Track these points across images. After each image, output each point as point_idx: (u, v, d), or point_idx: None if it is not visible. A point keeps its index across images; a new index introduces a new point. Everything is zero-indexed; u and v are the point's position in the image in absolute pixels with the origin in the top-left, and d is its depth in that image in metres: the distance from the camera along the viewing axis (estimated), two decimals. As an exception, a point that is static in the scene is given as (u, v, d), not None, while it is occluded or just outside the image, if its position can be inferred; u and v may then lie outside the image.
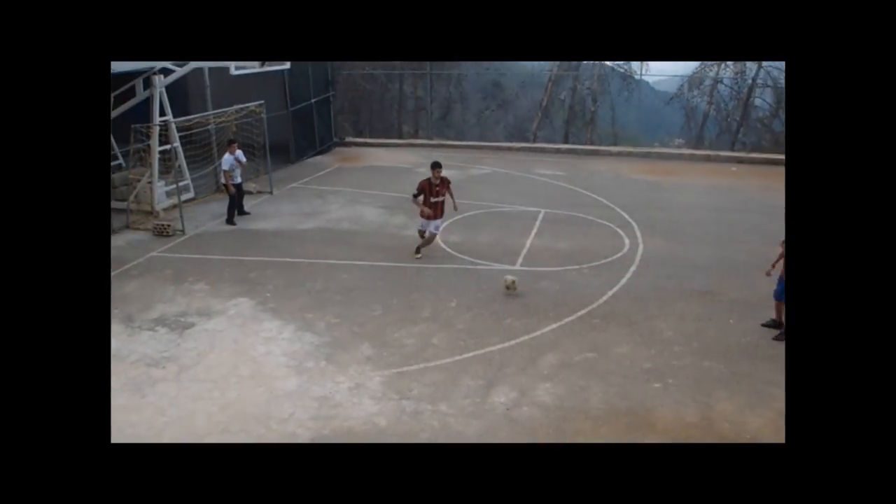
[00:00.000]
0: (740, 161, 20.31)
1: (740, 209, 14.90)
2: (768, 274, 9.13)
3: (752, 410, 7.35)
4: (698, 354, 8.45)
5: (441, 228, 11.56)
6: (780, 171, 18.82)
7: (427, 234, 11.52)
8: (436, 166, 11.20)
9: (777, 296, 8.95)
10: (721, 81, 27.80)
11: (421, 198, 11.12)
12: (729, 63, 27.47)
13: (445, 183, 11.24)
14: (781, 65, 26.47)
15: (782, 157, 20.86)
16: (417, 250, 11.66)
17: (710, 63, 27.57)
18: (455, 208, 11.63)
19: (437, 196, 11.08)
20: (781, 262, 8.89)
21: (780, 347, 8.63)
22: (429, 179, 11.16)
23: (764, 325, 9.15)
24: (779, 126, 28.05)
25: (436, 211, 11.15)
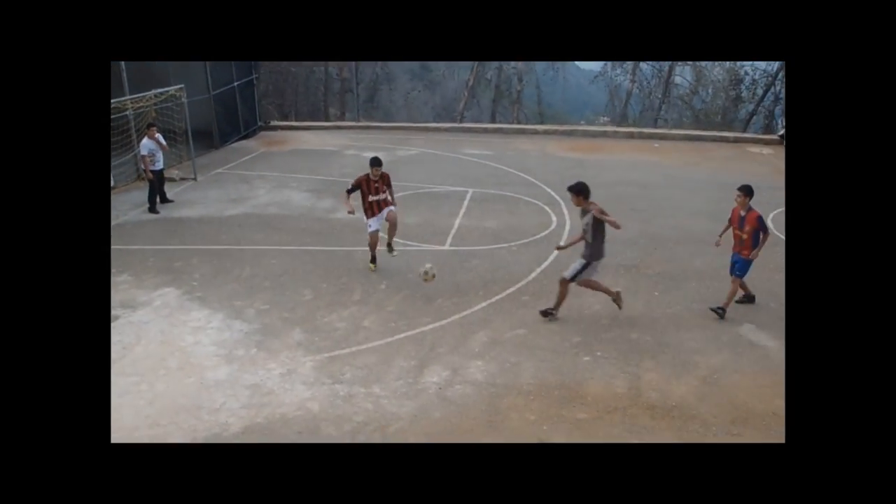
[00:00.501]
0: (663, 138, 20.79)
1: (663, 185, 15.29)
2: (717, 244, 9.39)
3: (678, 379, 7.58)
4: (625, 327, 8.66)
5: (376, 227, 10.53)
6: (700, 147, 19.42)
7: (369, 235, 10.57)
8: (375, 163, 10.31)
9: (732, 271, 9.08)
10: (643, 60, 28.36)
11: (356, 194, 10.31)
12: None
13: (385, 179, 10.46)
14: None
15: (702, 133, 21.49)
16: (389, 247, 10.72)
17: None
18: (394, 204, 10.64)
19: (375, 194, 10.36)
20: (730, 233, 9.11)
21: (704, 318, 8.94)
22: (367, 175, 10.34)
23: (739, 302, 9.29)
24: (698, 103, 28.87)
25: (373, 209, 10.40)
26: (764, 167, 16.99)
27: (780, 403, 7.19)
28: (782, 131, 20.38)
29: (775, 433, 6.73)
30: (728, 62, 27.28)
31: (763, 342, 8.44)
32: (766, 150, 19.30)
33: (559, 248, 9.64)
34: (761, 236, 8.77)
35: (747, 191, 8.86)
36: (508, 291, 9.58)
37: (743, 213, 8.85)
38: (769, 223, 10.46)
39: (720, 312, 8.96)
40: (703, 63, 27.76)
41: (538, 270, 10.34)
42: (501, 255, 10.92)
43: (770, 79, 27.09)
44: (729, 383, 7.54)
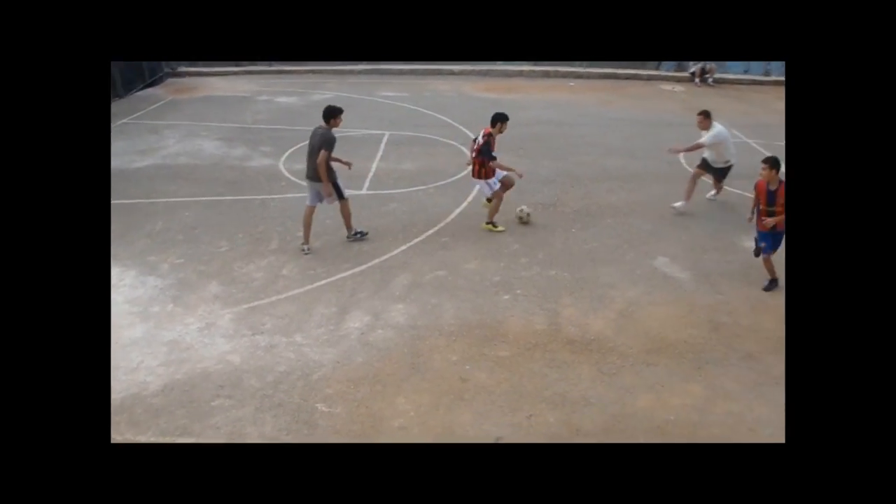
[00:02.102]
0: (578, 76, 20.91)
1: (578, 123, 15.43)
2: (749, 220, 8.65)
3: (595, 313, 7.77)
4: (544, 264, 8.79)
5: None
6: (614, 85, 19.61)
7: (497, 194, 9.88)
8: (505, 119, 9.81)
9: (761, 252, 8.39)
10: (558, -3, 28.18)
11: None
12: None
13: None
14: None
15: (616, 71, 21.67)
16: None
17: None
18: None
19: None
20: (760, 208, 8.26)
21: (620, 252, 9.15)
22: (495, 131, 9.72)
23: (765, 290, 8.46)
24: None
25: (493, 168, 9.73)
26: (676, 104, 17.34)
27: (692, 332, 7.48)
28: (693, 68, 20.74)
29: (688, 361, 7.01)
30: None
31: (675, 274, 8.71)
32: (678, 88, 19.68)
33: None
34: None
35: (773, 163, 8.01)
36: (428, 234, 9.58)
37: (773, 187, 8.06)
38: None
39: (772, 285, 8.41)
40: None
41: (457, 212, 10.36)
42: (419, 198, 10.88)
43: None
44: (644, 315, 7.77)
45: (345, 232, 9.42)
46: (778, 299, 8.22)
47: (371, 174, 11.96)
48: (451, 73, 21.09)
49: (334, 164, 9.14)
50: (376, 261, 8.84)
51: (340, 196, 9.22)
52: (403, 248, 9.20)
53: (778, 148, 14.29)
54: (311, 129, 9.18)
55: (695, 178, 10.52)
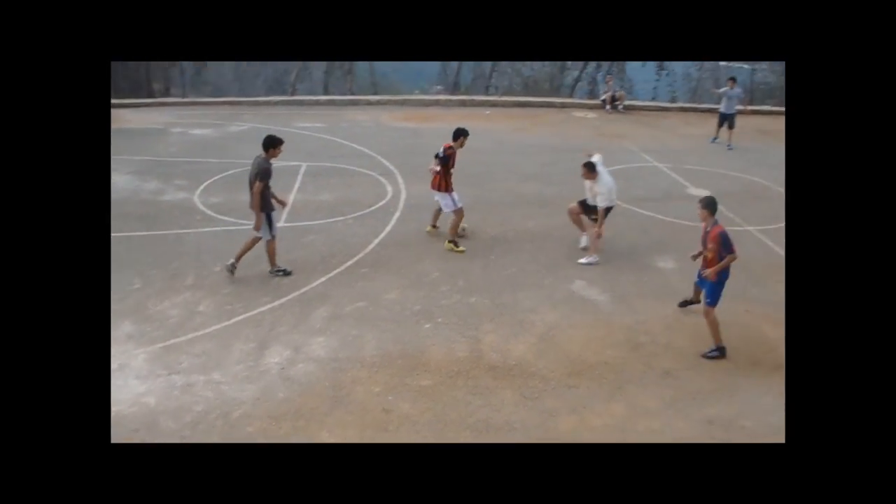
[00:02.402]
0: (493, 105, 21.29)
1: (495, 150, 15.65)
2: (694, 258, 8.11)
3: (516, 338, 7.84)
4: (464, 292, 8.84)
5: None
6: (529, 113, 19.95)
7: (458, 212, 10.14)
8: (466, 134, 10.42)
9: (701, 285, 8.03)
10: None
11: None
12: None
13: None
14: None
15: (531, 99, 22.16)
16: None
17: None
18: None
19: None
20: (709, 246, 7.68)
21: (538, 277, 9.28)
22: (457, 147, 10.19)
23: (680, 305, 8.59)
24: (527, 71, 29.66)
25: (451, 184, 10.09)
26: (588, 130, 17.82)
27: (611, 353, 7.63)
28: (604, 96, 21.38)
29: (608, 381, 7.14)
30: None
31: (594, 297, 8.89)
32: (591, 115, 20.23)
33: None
34: (725, 257, 7.58)
35: (706, 203, 7.72)
36: (347, 265, 9.51)
37: (708, 228, 7.72)
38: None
39: (713, 354, 7.76)
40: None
41: (375, 242, 10.33)
42: (338, 229, 10.81)
43: (592, 46, 28.23)
44: (564, 338, 7.89)
45: (265, 266, 9.26)
46: (692, 318, 8.48)
47: (289, 206, 11.81)
48: (369, 102, 21.17)
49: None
50: (295, 293, 8.72)
51: (270, 231, 9.06)
52: (322, 279, 9.10)
53: (686, 171, 14.85)
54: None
55: (572, 213, 10.38)
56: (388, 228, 10.73)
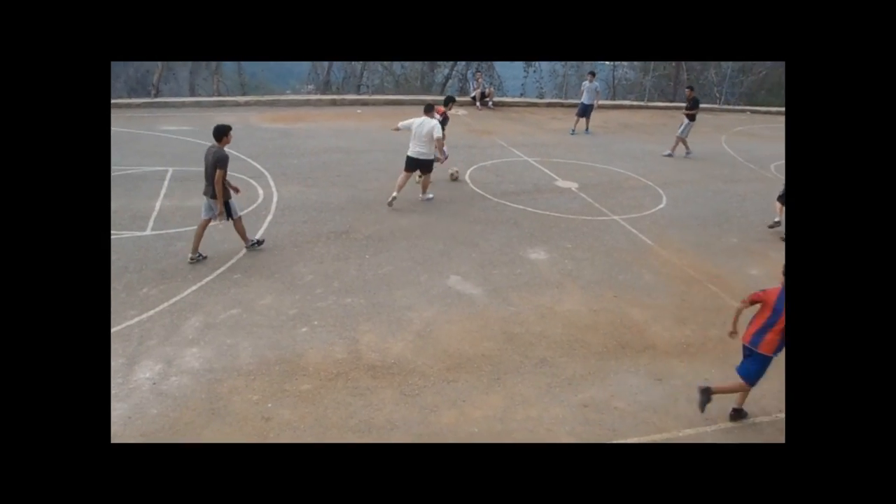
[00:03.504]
0: (364, 104, 21.21)
1: (366, 149, 15.61)
2: (732, 334, 7.06)
3: (394, 337, 7.87)
4: (340, 293, 8.78)
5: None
6: (401, 111, 19.98)
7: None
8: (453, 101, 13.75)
9: (743, 375, 6.87)
10: (342, 26, 28.47)
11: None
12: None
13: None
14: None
15: (402, 97, 22.22)
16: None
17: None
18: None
19: None
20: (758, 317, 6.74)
21: (413, 274, 9.34)
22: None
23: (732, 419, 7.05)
24: (398, 69, 29.73)
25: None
26: (460, 127, 18.00)
27: (488, 345, 7.78)
28: (474, 93, 21.72)
29: (486, 373, 7.29)
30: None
31: (469, 291, 9.04)
32: (462, 112, 20.47)
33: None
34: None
35: None
36: (219, 271, 9.24)
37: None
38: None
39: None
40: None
41: (247, 247, 10.09)
42: (208, 234, 10.45)
43: (460, 43, 28.62)
44: (441, 334, 7.98)
45: (129, 277, 8.87)
46: (563, 306, 8.78)
47: (155, 213, 11.34)
48: (237, 104, 20.61)
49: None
50: (165, 304, 8.39)
51: (231, 216, 9.54)
52: (193, 288, 8.80)
53: (554, 164, 15.32)
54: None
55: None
56: (259, 232, 10.51)
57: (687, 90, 18.01)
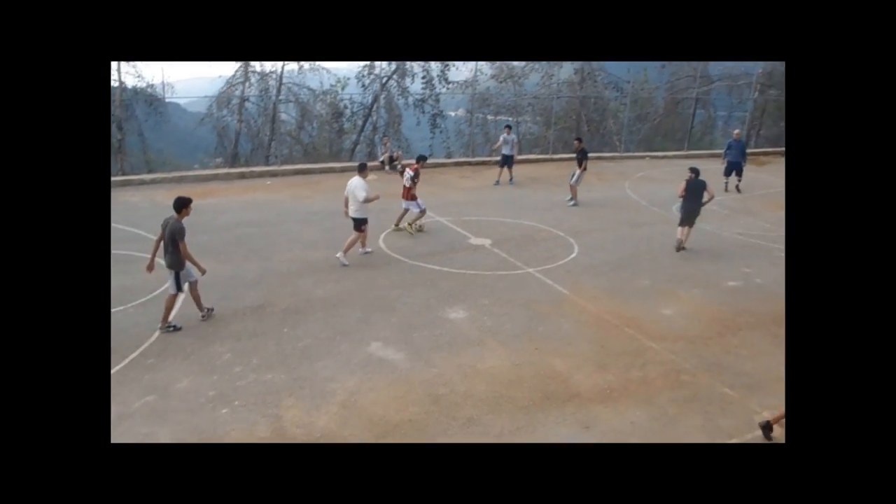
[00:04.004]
0: (274, 174, 21.11)
1: (279, 221, 15.49)
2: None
3: (318, 410, 7.71)
4: (259, 369, 8.58)
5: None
6: (310, 180, 19.99)
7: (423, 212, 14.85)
8: (425, 159, 15.32)
9: None
10: (248, 100, 28.54)
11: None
12: (253, 81, 28.35)
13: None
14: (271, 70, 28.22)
15: (311, 166, 22.26)
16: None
17: (235, 83, 28.12)
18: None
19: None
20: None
21: (333, 344, 9.24)
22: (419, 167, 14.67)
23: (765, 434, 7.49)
24: (306, 137, 29.84)
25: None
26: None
27: (414, 410, 7.72)
28: (382, 157, 21.94)
29: (413, 439, 7.21)
30: (328, 98, 28.71)
31: (390, 356, 8.99)
32: (372, 176, 20.54)
33: None
34: None
35: None
36: (131, 357, 8.89)
37: None
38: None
39: None
40: (305, 99, 28.81)
41: (160, 329, 9.80)
42: (118, 320, 10.10)
43: (367, 110, 29.00)
44: (366, 402, 7.88)
45: None
46: (486, 363, 8.82)
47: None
48: (143, 182, 20.19)
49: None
50: (74, 397, 8.02)
51: (179, 288, 9.63)
52: (104, 377, 8.45)
53: (466, 222, 15.52)
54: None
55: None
56: (173, 313, 10.22)
57: (576, 142, 18.75)
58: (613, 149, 28.36)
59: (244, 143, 30.02)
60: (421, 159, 14.89)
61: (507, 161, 20.26)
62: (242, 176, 20.92)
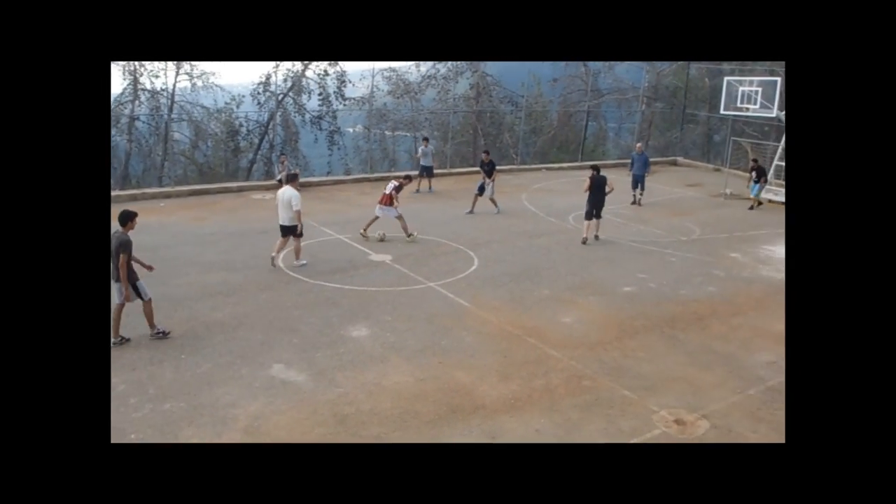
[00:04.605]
0: (168, 196, 20.49)
1: (173, 244, 15.00)
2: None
3: (220, 437, 7.51)
4: (156, 400, 8.25)
5: None
6: (206, 201, 19.56)
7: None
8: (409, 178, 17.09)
9: None
10: (138, 118, 27.64)
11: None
12: (143, 99, 27.46)
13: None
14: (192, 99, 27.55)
15: (207, 186, 21.75)
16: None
17: (124, 101, 27.17)
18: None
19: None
20: None
21: (234, 369, 9.02)
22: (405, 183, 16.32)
23: None
24: (200, 157, 29.11)
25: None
26: (267, 212, 17.70)
27: (319, 431, 7.63)
28: (280, 175, 21.61)
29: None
30: (223, 116, 28.14)
31: (293, 378, 8.84)
32: (269, 196, 20.28)
33: None
34: None
35: None
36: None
37: None
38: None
39: None
40: (199, 118, 28.14)
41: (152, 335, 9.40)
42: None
43: (263, 128, 28.57)
44: (270, 427, 7.72)
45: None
46: (390, 379, 8.81)
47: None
48: (24, 210, 19.22)
49: (136, 266, 9.72)
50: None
51: (140, 296, 9.69)
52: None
53: (365, 240, 15.47)
54: None
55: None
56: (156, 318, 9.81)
57: (484, 154, 19.16)
58: (510, 161, 28.91)
59: (135, 164, 29.04)
60: (408, 177, 16.82)
61: (427, 171, 21.50)
62: (134, 198, 20.16)
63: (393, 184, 15.56)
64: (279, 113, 28.27)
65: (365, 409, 8.14)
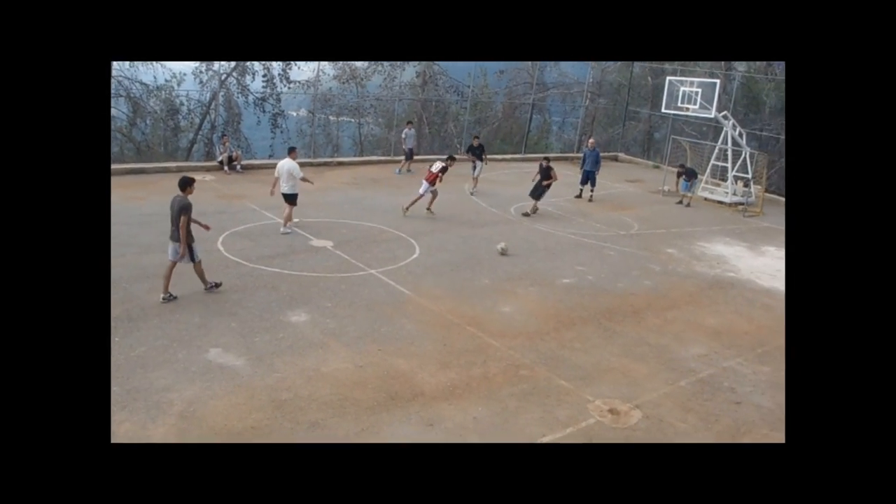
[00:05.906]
0: (103, 174, 19.92)
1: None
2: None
3: (154, 423, 7.38)
4: (88, 382, 8.11)
5: None
6: (144, 180, 19.13)
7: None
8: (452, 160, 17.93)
9: None
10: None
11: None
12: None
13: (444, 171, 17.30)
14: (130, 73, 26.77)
15: (145, 165, 21.23)
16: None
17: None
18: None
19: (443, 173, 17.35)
20: None
21: (170, 353, 8.87)
22: (448, 165, 17.48)
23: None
24: (139, 135, 28.37)
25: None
26: (208, 193, 17.48)
27: (257, 416, 7.58)
28: (221, 157, 21.27)
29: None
30: (163, 94, 27.45)
31: (231, 363, 8.75)
32: (209, 177, 19.94)
33: None
34: None
35: None
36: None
37: None
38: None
39: None
40: (137, 94, 27.37)
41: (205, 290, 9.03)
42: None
43: (205, 108, 27.97)
44: (206, 412, 7.63)
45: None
46: (329, 365, 8.79)
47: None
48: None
49: (193, 227, 10.56)
50: None
51: (192, 259, 10.58)
52: None
53: (307, 224, 15.36)
54: None
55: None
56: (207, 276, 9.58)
57: (474, 139, 21.36)
58: (454, 151, 28.96)
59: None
60: (451, 158, 17.60)
61: (409, 154, 23.02)
62: (67, 176, 19.59)
63: (439, 164, 17.10)
64: (222, 93, 27.70)
65: (303, 394, 8.12)
